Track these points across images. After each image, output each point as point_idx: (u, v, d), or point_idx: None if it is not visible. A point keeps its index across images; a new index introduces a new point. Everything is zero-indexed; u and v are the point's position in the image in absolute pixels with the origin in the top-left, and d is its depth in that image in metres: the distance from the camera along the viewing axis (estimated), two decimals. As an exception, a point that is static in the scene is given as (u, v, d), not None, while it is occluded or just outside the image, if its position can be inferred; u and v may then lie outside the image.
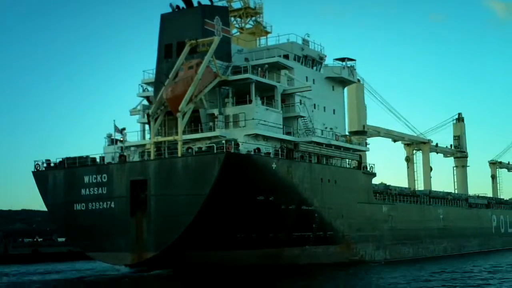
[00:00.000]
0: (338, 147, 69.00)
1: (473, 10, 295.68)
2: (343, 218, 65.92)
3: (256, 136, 59.63)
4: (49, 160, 62.07)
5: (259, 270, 56.15)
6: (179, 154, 55.00)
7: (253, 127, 59.57)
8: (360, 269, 60.22)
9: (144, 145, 62.08)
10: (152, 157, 56.88)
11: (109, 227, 56.82)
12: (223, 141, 53.37)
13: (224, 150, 52.44)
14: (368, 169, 72.92)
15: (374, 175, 73.83)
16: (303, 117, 66.20)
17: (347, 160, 70.99)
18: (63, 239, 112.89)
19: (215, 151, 52.86)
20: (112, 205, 56.89)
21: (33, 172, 61.86)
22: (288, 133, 64.08)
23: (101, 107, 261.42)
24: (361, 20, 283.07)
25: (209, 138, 58.93)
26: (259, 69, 63.10)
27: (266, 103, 62.48)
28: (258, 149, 56.70)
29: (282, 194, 57.83)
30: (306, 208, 60.75)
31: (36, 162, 61.88)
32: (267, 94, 63.81)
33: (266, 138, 60.67)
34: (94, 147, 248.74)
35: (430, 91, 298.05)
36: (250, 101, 61.08)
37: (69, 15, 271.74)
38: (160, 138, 58.13)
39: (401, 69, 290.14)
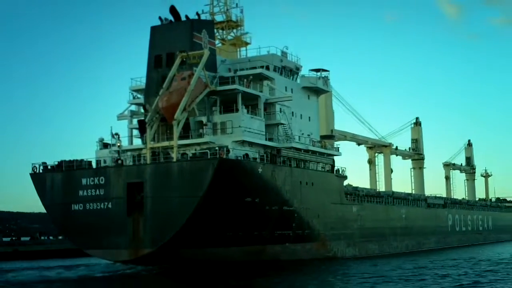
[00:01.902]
0: (314, 152, 74.56)
1: (426, 13, 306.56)
2: (319, 217, 71.50)
3: (242, 143, 64.60)
4: (45, 163, 66.02)
5: (244, 266, 61.21)
6: (175, 159, 59.64)
7: (240, 134, 64.54)
8: (334, 264, 65.93)
9: (138, 149, 66.30)
10: (148, 161, 61.30)
11: (106, 226, 61.01)
12: (217, 148, 58.24)
13: (218, 156, 57.35)
14: (340, 172, 78.71)
15: (345, 177, 79.79)
16: (283, 124, 71.52)
17: (321, 163, 76.52)
18: (8, 239, 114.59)
19: (209, 157, 57.74)
20: (110, 206, 61.16)
21: (31, 174, 65.64)
22: (270, 139, 69.26)
23: (87, 111, 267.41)
24: (321, 27, 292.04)
25: (198, 144, 63.68)
26: (245, 80, 68.15)
27: (250, 112, 67.60)
28: (247, 154, 61.88)
29: (266, 196, 63.04)
30: (287, 208, 66.07)
31: (34, 165, 65.77)
32: (251, 103, 68.89)
33: (251, 144, 65.73)
34: (82, 150, 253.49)
35: (391, 96, 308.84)
36: (237, 110, 66.04)
37: (65, 22, 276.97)
38: (157, 144, 62.50)
39: (364, 75, 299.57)
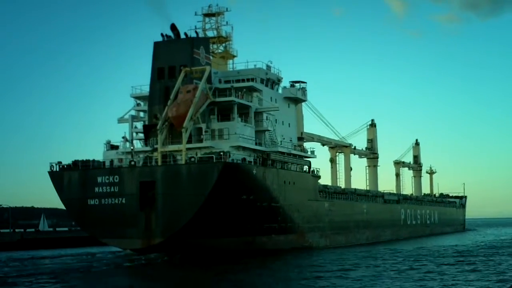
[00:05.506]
0: (294, 155, 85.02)
1: (373, 7, 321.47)
2: (299, 212, 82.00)
3: (238, 148, 74.45)
4: (61, 162, 74.50)
5: (238, 253, 71.16)
6: (183, 162, 69.06)
7: (236, 140, 74.44)
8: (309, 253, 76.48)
9: (145, 151, 75.28)
10: (159, 163, 70.49)
11: (120, 219, 70.04)
12: (221, 152, 67.92)
13: (222, 159, 67.09)
14: (315, 173, 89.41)
15: (319, 177, 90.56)
16: (270, 130, 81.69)
17: (300, 165, 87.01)
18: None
19: (214, 160, 67.42)
20: (123, 201, 70.20)
21: (49, 172, 74.05)
22: (259, 144, 79.31)
23: (88, 114, 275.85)
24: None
25: (199, 148, 73.20)
26: (239, 92, 78.00)
27: (243, 120, 77.52)
28: (244, 158, 71.78)
29: (259, 194, 73.16)
30: (274, 204, 76.33)
31: (51, 164, 74.21)
32: (243, 112, 78.83)
33: (244, 148, 75.64)
34: (85, 151, 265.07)
35: (350, 98, 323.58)
36: (232, 118, 75.86)
37: (77, 28, 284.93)
38: (167, 148, 71.62)
39: (327, 78, 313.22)
